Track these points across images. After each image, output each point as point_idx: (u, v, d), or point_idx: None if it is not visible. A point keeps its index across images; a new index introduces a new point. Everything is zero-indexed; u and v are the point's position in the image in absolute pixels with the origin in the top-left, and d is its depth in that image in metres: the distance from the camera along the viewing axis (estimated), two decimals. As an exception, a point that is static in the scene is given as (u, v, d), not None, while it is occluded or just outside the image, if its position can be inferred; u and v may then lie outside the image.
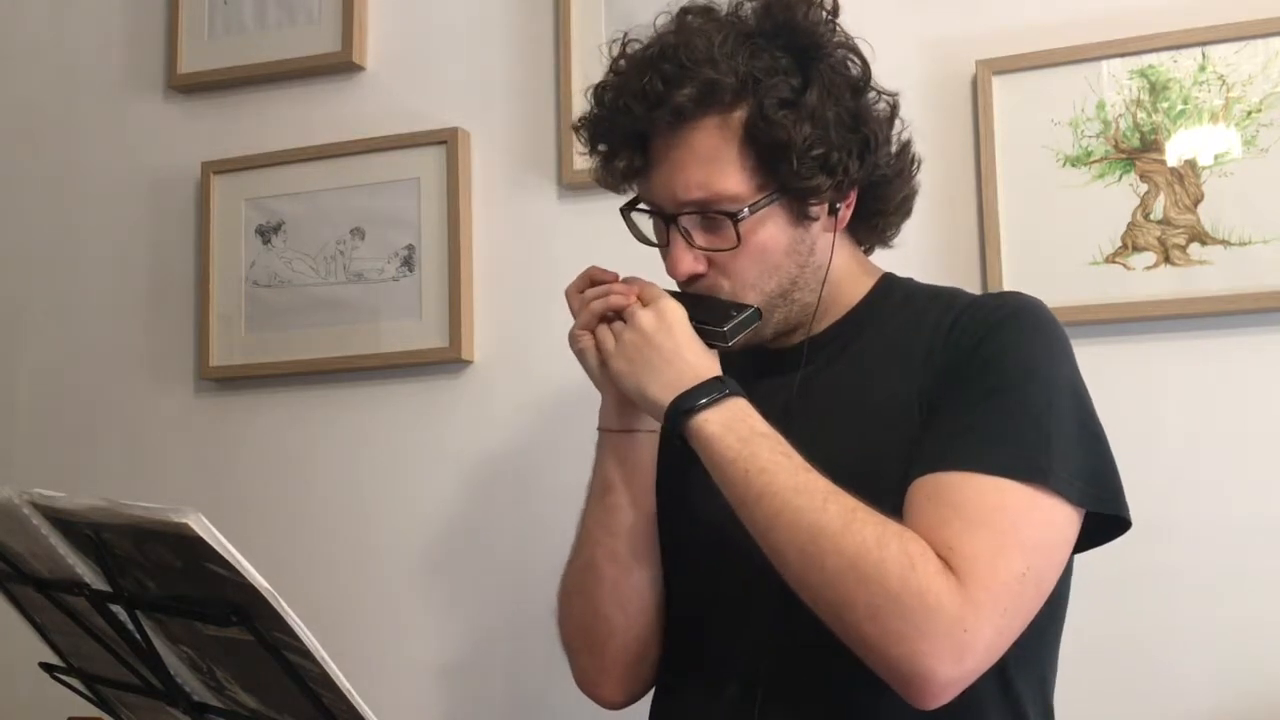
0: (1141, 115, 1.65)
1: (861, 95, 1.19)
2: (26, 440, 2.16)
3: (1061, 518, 1.09)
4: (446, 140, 1.93)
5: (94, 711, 1.09)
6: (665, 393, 1.14)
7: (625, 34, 1.23)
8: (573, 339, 1.22)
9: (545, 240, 1.90)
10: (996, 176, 1.69)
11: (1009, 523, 1.06)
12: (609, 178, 1.23)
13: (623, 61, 1.21)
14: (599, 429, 1.26)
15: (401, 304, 1.94)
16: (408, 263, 1.95)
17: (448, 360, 1.92)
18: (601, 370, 1.20)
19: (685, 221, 1.18)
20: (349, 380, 1.98)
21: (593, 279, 1.23)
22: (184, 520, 0.75)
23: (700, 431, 1.12)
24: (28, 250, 2.20)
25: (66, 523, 0.87)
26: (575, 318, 1.23)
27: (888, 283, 1.28)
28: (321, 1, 2.03)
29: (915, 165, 1.27)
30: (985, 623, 1.02)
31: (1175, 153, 1.64)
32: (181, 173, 2.10)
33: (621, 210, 1.26)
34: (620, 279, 1.22)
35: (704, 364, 1.15)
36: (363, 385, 1.98)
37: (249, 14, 2.08)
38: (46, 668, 1.07)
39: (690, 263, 1.18)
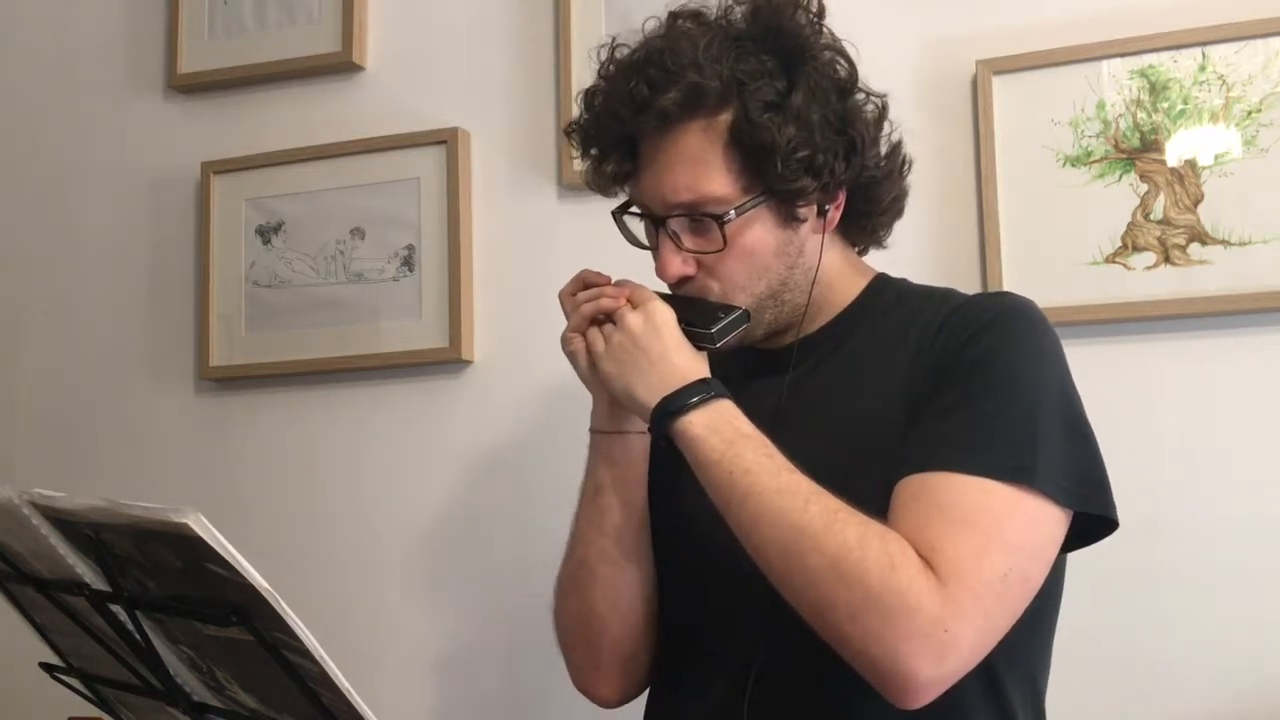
0: (1141, 115, 1.65)
1: (848, 97, 1.20)
2: (26, 440, 2.16)
3: (1047, 518, 1.09)
4: (446, 140, 1.94)
5: (94, 711, 1.09)
6: (651, 394, 1.15)
7: (614, 38, 1.24)
8: (564, 341, 1.23)
9: (545, 240, 1.90)
10: (996, 176, 1.69)
11: (992, 523, 1.06)
12: (599, 181, 1.25)
13: (611, 66, 1.22)
14: (591, 430, 1.27)
15: (401, 304, 1.94)
16: (408, 263, 1.95)
17: (448, 360, 1.92)
18: (592, 372, 1.21)
19: (674, 224, 1.19)
20: (349, 380, 1.98)
21: (585, 282, 1.24)
22: (184, 520, 0.75)
23: (685, 433, 1.13)
24: (28, 250, 2.20)
25: (66, 523, 0.87)
26: (568, 320, 1.24)
27: (881, 283, 1.29)
28: (321, 1, 2.03)
29: (906, 166, 1.27)
30: (967, 623, 1.02)
31: (1175, 153, 1.64)
32: (181, 173, 2.10)
33: (614, 213, 1.27)
34: (612, 281, 1.23)
35: (691, 366, 1.16)
36: (363, 385, 1.98)
37: (249, 14, 2.08)
38: (46, 668, 1.07)
39: (679, 265, 1.19)
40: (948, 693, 1.05)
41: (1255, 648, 1.57)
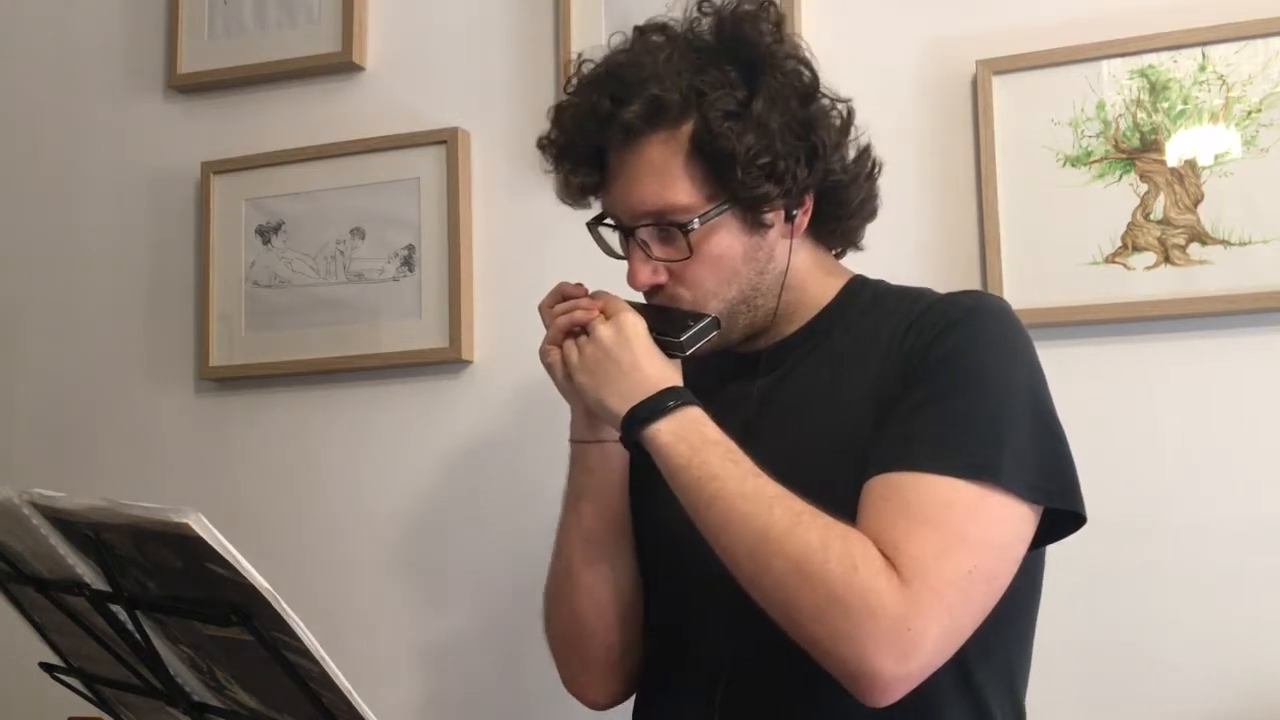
0: (1141, 115, 1.65)
1: (810, 103, 1.22)
2: (26, 440, 2.16)
3: (1014, 515, 1.10)
4: (446, 140, 1.94)
5: (94, 711, 1.10)
6: (622, 404, 1.17)
7: (580, 55, 1.28)
8: (542, 354, 1.26)
9: (545, 240, 1.90)
10: (996, 176, 1.69)
11: (956, 521, 1.07)
12: (569, 194, 1.28)
13: (575, 81, 1.26)
14: (570, 441, 1.30)
15: (401, 304, 1.94)
16: (408, 263, 1.95)
17: (448, 360, 1.92)
18: (568, 383, 1.24)
19: (642, 234, 1.22)
20: (349, 380, 1.98)
21: (562, 294, 1.27)
22: (184, 520, 0.75)
23: (653, 440, 1.15)
24: (28, 250, 2.20)
25: (66, 523, 0.87)
26: (547, 332, 1.27)
27: (857, 284, 1.30)
28: (321, 1, 2.03)
29: (875, 169, 1.29)
30: (931, 621, 1.04)
31: (1175, 153, 1.64)
32: (181, 173, 2.10)
33: (588, 225, 1.29)
34: (589, 293, 1.26)
35: (660, 375, 1.18)
36: (363, 385, 1.98)
37: (249, 14, 2.08)
38: (46, 668, 1.07)
39: (648, 274, 1.22)
40: (921, 691, 1.06)
41: (1255, 648, 1.57)
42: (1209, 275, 1.61)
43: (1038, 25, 1.71)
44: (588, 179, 1.25)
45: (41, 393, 2.16)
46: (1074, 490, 1.15)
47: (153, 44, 2.15)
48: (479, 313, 1.92)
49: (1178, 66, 1.64)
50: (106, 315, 2.13)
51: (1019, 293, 1.65)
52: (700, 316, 1.22)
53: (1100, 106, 1.66)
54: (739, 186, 1.17)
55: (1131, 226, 1.64)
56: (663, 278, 1.22)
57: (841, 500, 1.10)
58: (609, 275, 1.27)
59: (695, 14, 1.24)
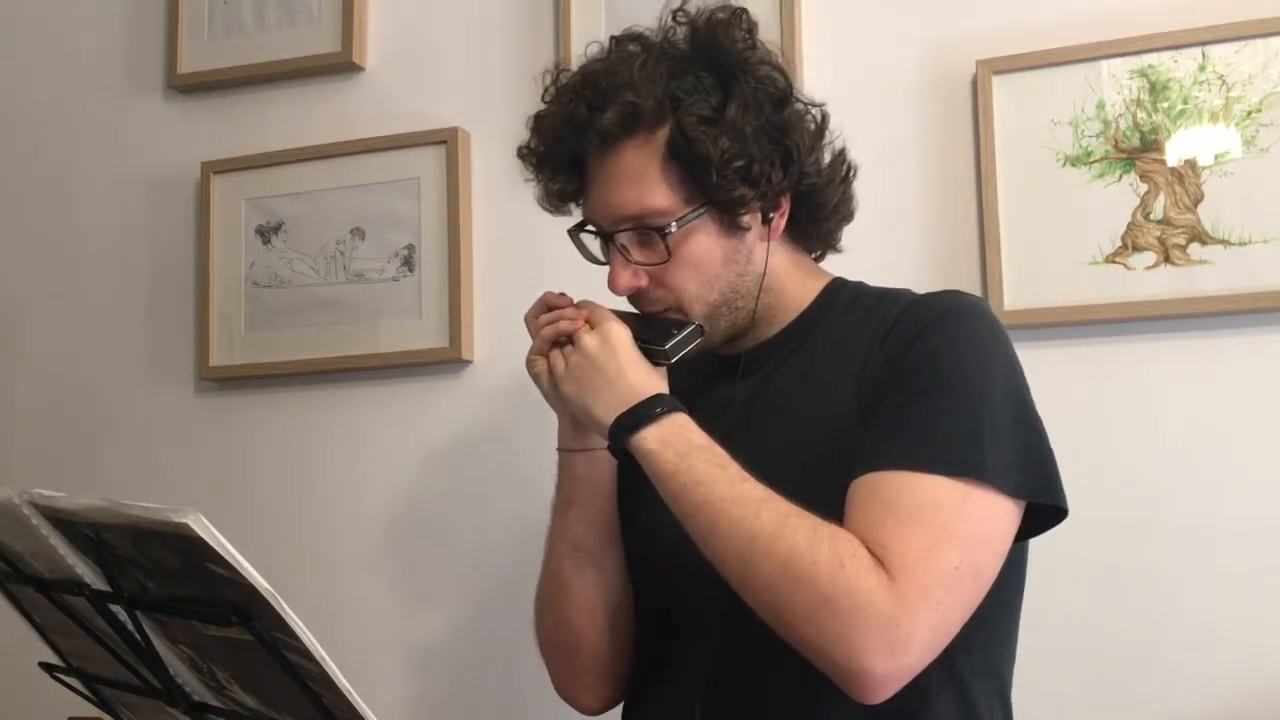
0: (1141, 115, 1.65)
1: (785, 108, 1.23)
2: (26, 440, 2.16)
3: (997, 511, 1.11)
4: (446, 140, 1.94)
5: (94, 711, 1.10)
6: (608, 412, 1.18)
7: (558, 64, 1.31)
8: (529, 364, 1.27)
9: (545, 240, 1.90)
10: (996, 176, 1.69)
11: (942, 518, 1.08)
12: (550, 201, 1.31)
13: (553, 89, 1.27)
14: (558, 449, 1.31)
15: (401, 304, 1.94)
16: (408, 263, 1.95)
17: (448, 360, 1.92)
18: (554, 393, 1.25)
19: (622, 238, 1.23)
20: (349, 380, 1.98)
21: (548, 304, 1.28)
22: (184, 520, 0.75)
23: (640, 447, 1.16)
24: (28, 250, 2.20)
25: (66, 523, 0.87)
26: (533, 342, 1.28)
27: (837, 286, 1.32)
28: (321, 1, 2.03)
29: (850, 172, 1.31)
30: (919, 618, 1.05)
31: (1175, 153, 1.64)
32: (181, 173, 2.10)
33: (569, 232, 1.31)
34: (574, 302, 1.27)
35: (645, 383, 1.19)
36: (363, 385, 1.98)
37: (249, 14, 2.08)
38: (46, 668, 1.07)
39: (628, 278, 1.24)
40: (909, 688, 1.07)
41: (1255, 648, 1.57)
42: (1209, 275, 1.61)
43: (1037, 25, 1.71)
44: (567, 186, 1.28)
45: (41, 393, 2.16)
46: (1055, 484, 1.16)
47: (152, 44, 2.15)
48: (479, 313, 1.92)
49: (1178, 66, 1.64)
50: (106, 315, 2.13)
51: (1019, 292, 1.65)
52: (684, 324, 1.23)
53: (1100, 106, 1.66)
54: (715, 190, 1.19)
55: (1131, 226, 1.64)
56: (643, 281, 1.24)
57: (827, 500, 1.11)
58: (608, 276, 1.27)
59: (670, 23, 1.26)
